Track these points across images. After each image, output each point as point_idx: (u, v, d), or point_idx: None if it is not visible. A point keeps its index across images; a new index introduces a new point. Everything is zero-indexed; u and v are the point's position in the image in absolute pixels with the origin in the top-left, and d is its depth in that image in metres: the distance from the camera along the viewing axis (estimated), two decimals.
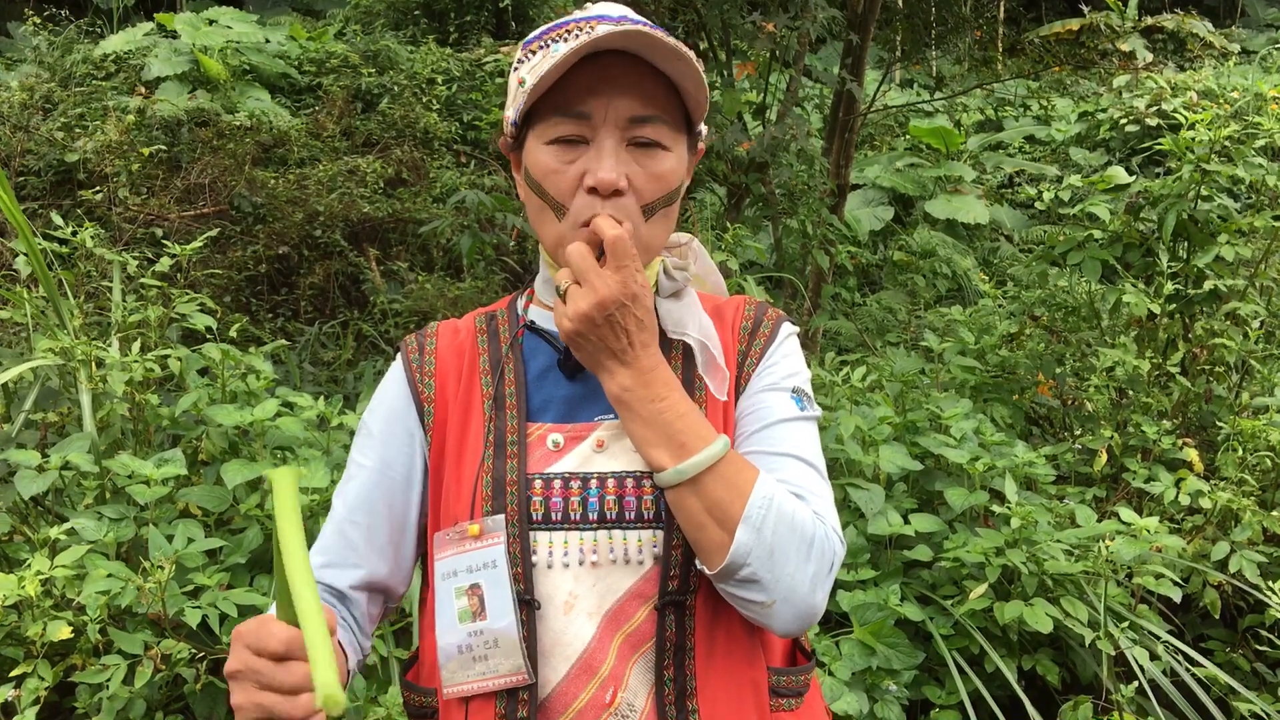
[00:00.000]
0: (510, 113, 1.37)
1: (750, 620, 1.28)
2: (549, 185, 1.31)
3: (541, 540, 1.32)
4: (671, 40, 1.25)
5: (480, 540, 1.30)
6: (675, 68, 1.28)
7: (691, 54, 1.27)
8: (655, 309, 1.40)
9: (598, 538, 1.31)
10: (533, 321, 1.46)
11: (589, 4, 1.40)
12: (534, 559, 1.31)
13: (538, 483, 1.33)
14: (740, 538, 1.21)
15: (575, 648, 1.30)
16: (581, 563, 1.31)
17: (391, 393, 1.45)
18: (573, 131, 1.29)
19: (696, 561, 1.27)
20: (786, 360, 1.43)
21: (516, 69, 1.36)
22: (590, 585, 1.31)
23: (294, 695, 1.06)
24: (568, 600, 1.30)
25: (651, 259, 1.38)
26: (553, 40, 1.31)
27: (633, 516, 1.31)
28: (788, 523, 1.23)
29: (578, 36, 1.27)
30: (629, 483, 1.33)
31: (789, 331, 1.47)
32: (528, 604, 1.30)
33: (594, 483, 1.33)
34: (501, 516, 1.30)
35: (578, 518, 1.32)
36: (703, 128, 1.44)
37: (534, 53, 1.33)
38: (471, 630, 1.30)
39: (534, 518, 1.32)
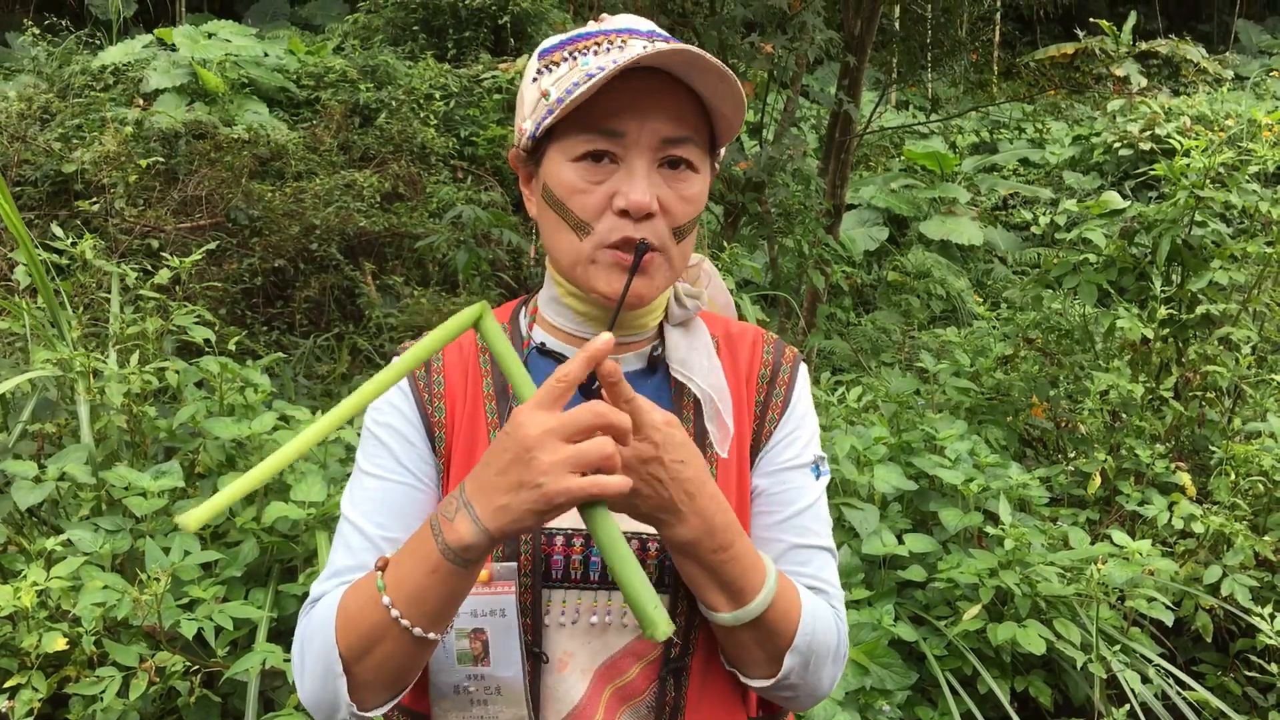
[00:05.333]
0: (528, 125, 1.28)
1: (765, 697, 1.33)
2: (574, 204, 1.24)
3: (541, 597, 1.28)
4: (717, 61, 1.18)
5: (489, 586, 1.24)
6: (717, 89, 1.22)
7: (734, 75, 1.21)
8: (663, 338, 1.36)
9: (598, 598, 1.28)
10: (542, 344, 1.37)
11: (604, 16, 1.33)
12: (545, 616, 1.27)
13: (541, 538, 1.27)
14: (788, 664, 1.24)
15: (566, 703, 1.27)
16: (576, 623, 1.28)
17: (398, 413, 1.34)
18: (603, 148, 1.22)
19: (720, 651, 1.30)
20: (805, 423, 1.40)
21: (536, 79, 1.28)
22: (585, 643, 1.28)
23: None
24: (562, 658, 1.27)
25: (677, 278, 1.33)
26: (579, 53, 1.24)
27: None
28: (823, 641, 1.27)
29: (608, 50, 1.23)
30: (633, 544, 1.27)
31: (805, 377, 1.43)
32: (535, 656, 1.26)
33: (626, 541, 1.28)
34: (513, 565, 1.25)
35: (579, 576, 1.27)
36: (720, 151, 1.37)
37: (556, 64, 1.26)
38: (471, 673, 1.25)
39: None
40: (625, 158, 1.23)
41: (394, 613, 1.11)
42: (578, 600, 1.27)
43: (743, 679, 1.29)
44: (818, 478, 1.37)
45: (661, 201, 1.23)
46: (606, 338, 1.08)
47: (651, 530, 1.27)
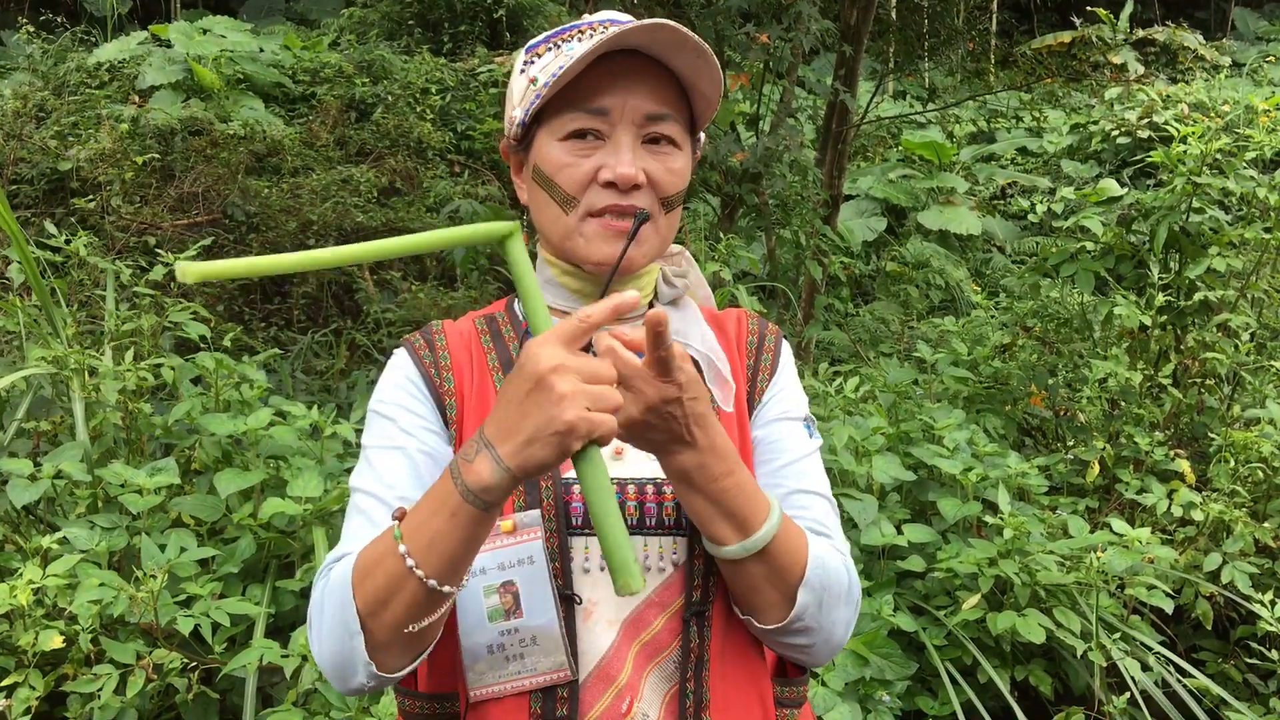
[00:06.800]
0: (518, 113, 1.35)
1: (784, 655, 1.33)
2: (561, 179, 1.30)
3: (568, 543, 1.29)
4: (695, 36, 1.25)
5: (514, 536, 1.26)
6: (694, 65, 1.29)
7: (710, 50, 1.26)
8: None
9: None
10: None
11: (586, 14, 1.40)
12: (571, 556, 1.28)
13: (560, 487, 1.30)
14: (801, 600, 1.24)
15: (592, 655, 1.27)
16: (603, 569, 1.27)
17: (405, 388, 1.37)
18: (589, 126, 1.29)
19: (739, 614, 1.30)
20: (793, 385, 1.46)
21: (524, 70, 1.35)
22: (609, 593, 1.28)
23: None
24: (586, 607, 1.28)
25: (665, 248, 1.39)
26: (563, 41, 1.33)
27: (654, 524, 1.30)
28: (834, 579, 1.28)
29: (591, 36, 1.30)
30: (649, 489, 1.31)
31: (789, 349, 1.49)
32: (568, 600, 1.27)
33: (614, 489, 1.30)
34: (536, 512, 1.27)
35: None
36: (701, 135, 1.43)
37: (541, 55, 1.34)
38: (504, 629, 1.26)
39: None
40: (610, 134, 1.29)
41: (409, 562, 1.09)
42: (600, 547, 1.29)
43: (757, 626, 1.28)
44: (810, 436, 1.42)
45: (648, 173, 1.30)
46: (635, 294, 1.09)
47: (663, 475, 1.28)
